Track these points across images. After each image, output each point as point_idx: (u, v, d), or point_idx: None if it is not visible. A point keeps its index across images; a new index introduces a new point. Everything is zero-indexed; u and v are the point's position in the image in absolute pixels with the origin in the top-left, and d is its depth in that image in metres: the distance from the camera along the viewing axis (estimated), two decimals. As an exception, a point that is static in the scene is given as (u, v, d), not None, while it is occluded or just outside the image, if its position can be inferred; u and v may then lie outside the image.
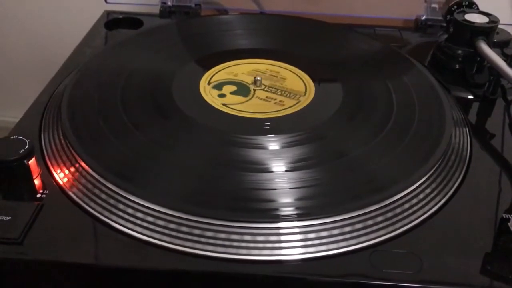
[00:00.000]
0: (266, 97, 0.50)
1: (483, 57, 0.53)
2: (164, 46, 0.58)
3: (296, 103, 0.49)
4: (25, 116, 0.48)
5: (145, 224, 0.36)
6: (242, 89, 0.51)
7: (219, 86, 0.51)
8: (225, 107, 0.48)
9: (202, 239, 0.35)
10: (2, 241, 0.35)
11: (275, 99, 0.49)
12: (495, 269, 0.35)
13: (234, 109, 0.47)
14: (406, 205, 0.38)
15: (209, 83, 0.51)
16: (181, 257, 0.35)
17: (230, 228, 0.36)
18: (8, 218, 0.36)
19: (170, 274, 0.35)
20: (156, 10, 0.69)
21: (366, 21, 0.69)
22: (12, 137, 0.40)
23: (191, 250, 0.35)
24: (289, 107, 0.48)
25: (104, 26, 0.65)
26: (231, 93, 0.50)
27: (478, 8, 0.61)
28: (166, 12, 0.69)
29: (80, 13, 0.81)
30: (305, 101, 0.49)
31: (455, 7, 0.61)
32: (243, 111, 0.47)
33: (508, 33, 0.60)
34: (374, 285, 0.33)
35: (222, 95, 0.49)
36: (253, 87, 0.51)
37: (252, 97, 0.50)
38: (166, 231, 0.36)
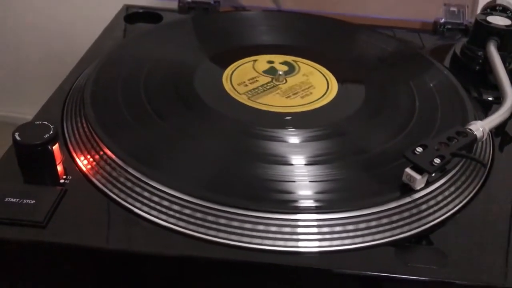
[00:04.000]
0: (289, 91, 0.50)
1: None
2: (188, 39, 0.58)
3: (319, 99, 0.49)
4: (47, 105, 0.48)
5: (171, 212, 0.36)
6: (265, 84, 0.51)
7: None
8: (247, 100, 0.48)
9: (218, 227, 0.35)
10: (27, 224, 0.35)
11: (297, 94, 0.49)
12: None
13: (257, 102, 0.48)
14: (431, 202, 0.38)
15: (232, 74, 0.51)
16: (198, 244, 0.35)
17: (248, 217, 0.36)
18: (32, 202, 0.36)
19: (188, 260, 0.35)
20: (173, 5, 0.69)
21: (383, 22, 0.69)
22: (36, 122, 0.40)
23: (209, 237, 0.35)
24: (311, 102, 0.48)
25: (124, 20, 0.65)
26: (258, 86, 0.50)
27: (512, 14, 0.60)
28: (185, 7, 0.69)
29: (94, 11, 0.81)
30: (328, 97, 0.49)
31: (488, 10, 0.59)
32: (265, 104, 0.47)
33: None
34: (399, 278, 0.33)
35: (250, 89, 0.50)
36: (275, 82, 0.51)
37: (275, 91, 0.50)
38: (191, 220, 0.36)
